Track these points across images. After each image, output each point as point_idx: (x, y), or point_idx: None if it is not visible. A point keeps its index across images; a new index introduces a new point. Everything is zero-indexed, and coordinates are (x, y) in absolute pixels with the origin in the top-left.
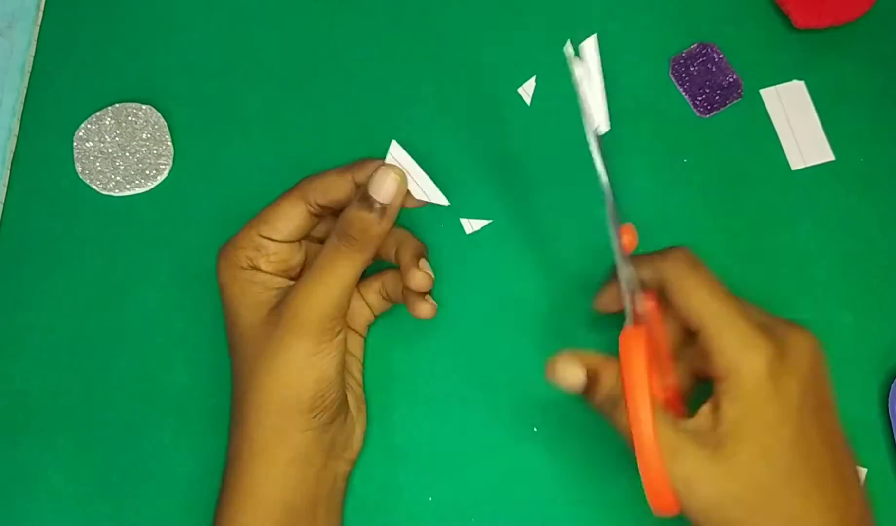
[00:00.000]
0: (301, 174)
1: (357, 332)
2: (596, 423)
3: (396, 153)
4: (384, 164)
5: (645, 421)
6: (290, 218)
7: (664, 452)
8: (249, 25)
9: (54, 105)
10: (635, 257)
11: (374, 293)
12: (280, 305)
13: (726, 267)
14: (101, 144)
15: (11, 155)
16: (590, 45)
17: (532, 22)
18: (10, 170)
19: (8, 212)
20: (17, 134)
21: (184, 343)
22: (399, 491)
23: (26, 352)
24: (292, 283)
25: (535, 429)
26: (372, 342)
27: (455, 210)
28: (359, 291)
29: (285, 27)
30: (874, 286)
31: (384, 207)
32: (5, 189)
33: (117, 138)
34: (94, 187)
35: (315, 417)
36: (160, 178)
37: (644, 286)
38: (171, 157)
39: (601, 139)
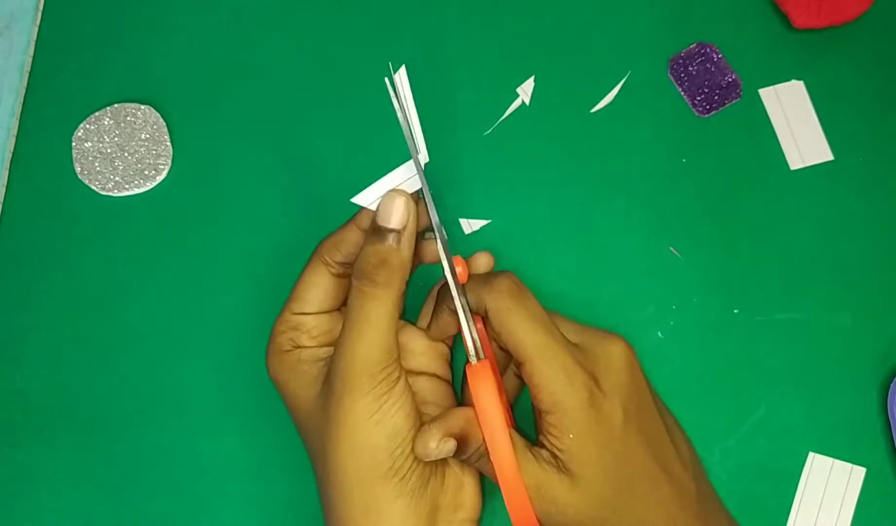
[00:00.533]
0: (299, 175)
1: (437, 375)
2: None
3: (402, 79)
4: (387, 193)
5: (508, 463)
6: (316, 286)
7: (531, 488)
8: (248, 25)
9: (53, 105)
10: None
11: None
12: (329, 372)
13: (726, 267)
14: (100, 145)
15: (11, 155)
16: (402, 76)
17: (531, 22)
18: (10, 170)
19: (7, 212)
20: (16, 134)
21: (183, 343)
22: None
23: (26, 352)
24: None
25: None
26: None
27: (455, 210)
28: (419, 330)
29: (284, 27)
30: (873, 286)
31: (399, 234)
32: (4, 189)
33: (116, 138)
34: (93, 188)
35: (402, 480)
36: (159, 179)
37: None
38: (170, 157)
39: (424, 169)
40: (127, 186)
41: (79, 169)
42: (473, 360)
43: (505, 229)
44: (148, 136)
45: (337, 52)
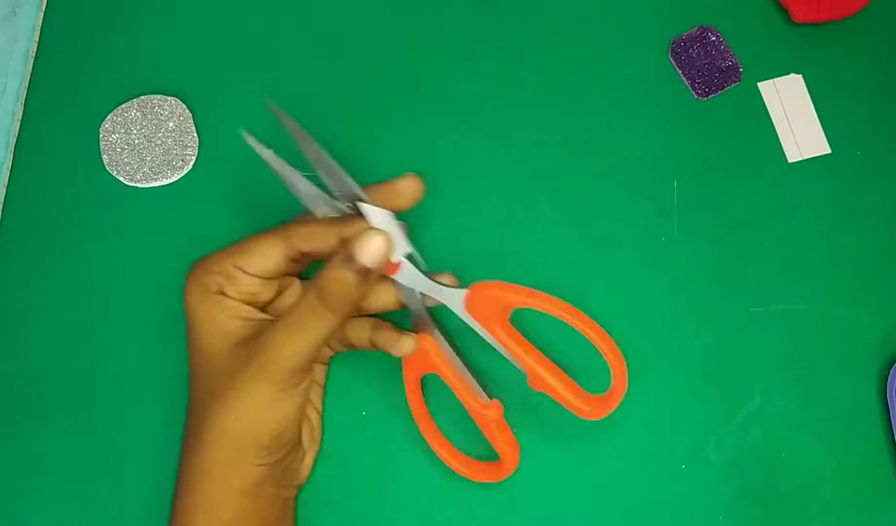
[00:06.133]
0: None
1: (322, 363)
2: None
3: (372, 212)
4: (373, 227)
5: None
6: (267, 257)
7: None
8: (251, 10)
9: (58, 90)
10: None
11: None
12: (250, 343)
13: (723, 258)
14: (128, 136)
15: (15, 139)
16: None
17: (531, 11)
18: (14, 154)
19: (11, 196)
20: (20, 119)
21: (184, 328)
22: (394, 474)
23: (28, 334)
24: (261, 315)
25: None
26: None
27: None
28: None
29: (298, 12)
30: (869, 278)
31: (368, 271)
32: (9, 173)
33: (143, 130)
34: (121, 179)
35: (270, 455)
36: (186, 169)
37: None
38: (197, 147)
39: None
40: (155, 177)
41: (106, 160)
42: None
43: (505, 218)
44: (175, 126)
45: (348, 37)
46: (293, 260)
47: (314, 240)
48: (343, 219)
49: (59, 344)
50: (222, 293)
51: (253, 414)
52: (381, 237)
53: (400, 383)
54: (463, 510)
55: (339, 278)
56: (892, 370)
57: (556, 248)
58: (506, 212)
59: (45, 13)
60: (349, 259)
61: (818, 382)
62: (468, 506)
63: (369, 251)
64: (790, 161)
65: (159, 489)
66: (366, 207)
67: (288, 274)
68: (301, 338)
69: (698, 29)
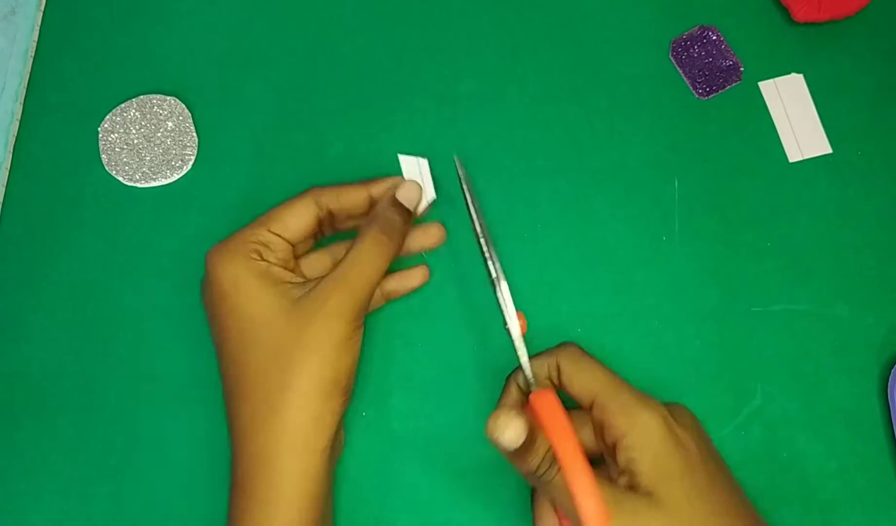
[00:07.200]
0: (326, 160)
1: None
2: None
3: (405, 161)
4: (408, 179)
5: (588, 479)
6: (301, 217)
7: (610, 507)
8: (249, 12)
9: (57, 89)
10: (531, 357)
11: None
12: (314, 294)
13: (723, 258)
14: (127, 136)
15: (14, 139)
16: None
17: (532, 10)
18: (13, 153)
19: (10, 196)
20: (19, 118)
21: (183, 328)
22: (395, 475)
23: (26, 334)
24: (300, 280)
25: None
26: (371, 327)
27: (455, 199)
28: None
29: (298, 13)
30: (870, 278)
31: (409, 212)
32: (8, 172)
33: (142, 130)
34: (120, 179)
35: (344, 402)
36: (186, 169)
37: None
38: (196, 147)
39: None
40: (154, 177)
41: (105, 160)
42: (535, 387)
43: (505, 218)
44: (174, 126)
45: (348, 37)
46: (320, 222)
47: (343, 197)
48: (371, 179)
49: (59, 344)
50: (265, 260)
51: (336, 353)
52: (415, 186)
53: (397, 384)
54: (463, 510)
55: (394, 215)
56: (892, 370)
57: (557, 247)
58: (506, 212)
59: (44, 13)
60: (395, 202)
61: (819, 383)
62: (468, 506)
63: (410, 197)
64: (791, 161)
65: (159, 489)
66: (401, 157)
67: (314, 237)
68: (370, 270)
69: (699, 28)
